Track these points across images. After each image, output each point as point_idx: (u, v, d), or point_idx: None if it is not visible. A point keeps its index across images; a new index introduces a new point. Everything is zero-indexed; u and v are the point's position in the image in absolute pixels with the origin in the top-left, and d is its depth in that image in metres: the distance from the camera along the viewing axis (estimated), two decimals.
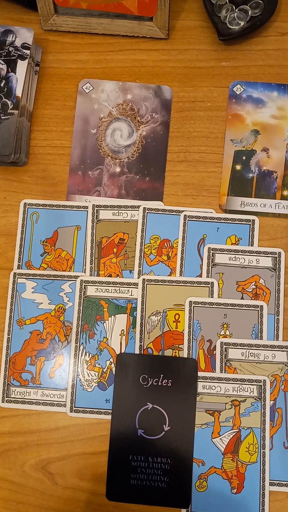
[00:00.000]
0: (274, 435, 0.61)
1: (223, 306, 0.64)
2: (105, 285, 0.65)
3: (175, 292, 0.64)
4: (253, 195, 0.67)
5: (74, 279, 0.66)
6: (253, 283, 0.65)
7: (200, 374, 0.62)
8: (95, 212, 0.67)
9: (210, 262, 0.65)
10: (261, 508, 0.59)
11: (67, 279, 0.66)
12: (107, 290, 0.65)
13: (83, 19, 0.71)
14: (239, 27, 0.69)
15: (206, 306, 0.64)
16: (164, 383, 0.62)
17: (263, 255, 0.65)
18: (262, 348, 0.62)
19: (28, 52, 0.67)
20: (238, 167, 0.68)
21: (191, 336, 0.63)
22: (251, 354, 0.62)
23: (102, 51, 0.72)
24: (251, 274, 0.65)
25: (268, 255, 0.65)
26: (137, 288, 0.65)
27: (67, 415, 0.63)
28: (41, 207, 0.68)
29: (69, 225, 0.67)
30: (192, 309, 0.64)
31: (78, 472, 0.62)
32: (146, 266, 0.66)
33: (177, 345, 0.64)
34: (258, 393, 0.61)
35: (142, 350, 0.64)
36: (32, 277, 0.66)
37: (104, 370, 0.64)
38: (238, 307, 0.64)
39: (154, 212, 0.67)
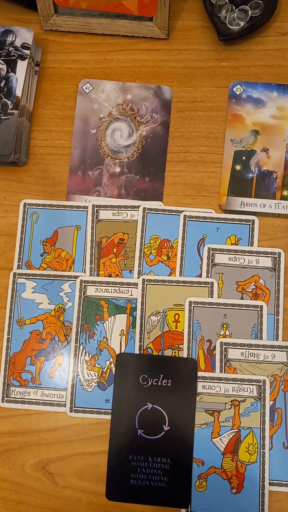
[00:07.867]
0: (273, 435, 0.61)
1: (223, 306, 0.64)
2: (105, 285, 0.65)
3: (175, 292, 0.64)
4: (253, 195, 0.67)
5: (74, 279, 0.66)
6: (253, 283, 0.65)
7: (200, 374, 0.62)
8: (95, 212, 0.67)
9: (210, 262, 0.65)
10: (260, 508, 0.59)
11: (67, 279, 0.66)
12: (107, 290, 0.65)
13: (83, 19, 0.71)
14: (239, 27, 0.69)
15: (206, 306, 0.64)
16: (164, 383, 0.62)
17: (263, 255, 0.65)
18: (262, 348, 0.62)
19: (28, 52, 0.67)
20: (238, 167, 0.68)
21: (191, 336, 0.63)
22: (251, 354, 0.62)
23: (102, 51, 0.72)
24: (251, 274, 0.65)
25: (268, 255, 0.65)
26: (137, 288, 0.65)
27: (67, 415, 0.63)
28: (41, 207, 0.68)
29: (69, 225, 0.67)
30: (192, 309, 0.64)
31: (78, 472, 0.62)
32: (146, 266, 0.66)
33: (177, 345, 0.64)
34: (258, 393, 0.61)
35: (142, 350, 0.64)
36: (32, 277, 0.66)
37: (104, 370, 0.64)
38: (238, 307, 0.64)
39: (154, 212, 0.67)
